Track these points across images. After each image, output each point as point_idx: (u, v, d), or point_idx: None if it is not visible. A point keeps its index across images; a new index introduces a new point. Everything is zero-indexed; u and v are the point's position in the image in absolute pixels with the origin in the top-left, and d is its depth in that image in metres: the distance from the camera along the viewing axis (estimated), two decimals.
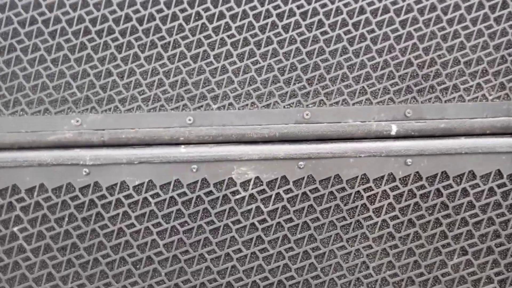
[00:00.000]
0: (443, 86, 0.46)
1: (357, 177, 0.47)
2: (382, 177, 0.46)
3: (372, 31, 0.46)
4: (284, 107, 0.47)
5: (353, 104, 0.46)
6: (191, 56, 0.46)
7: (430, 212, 0.47)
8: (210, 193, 0.47)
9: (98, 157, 0.46)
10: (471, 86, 0.46)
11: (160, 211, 0.46)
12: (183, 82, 0.46)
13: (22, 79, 0.45)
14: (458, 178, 0.47)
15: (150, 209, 0.46)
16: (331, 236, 0.47)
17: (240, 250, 0.47)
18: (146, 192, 0.46)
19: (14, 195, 0.46)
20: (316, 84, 0.46)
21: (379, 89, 0.46)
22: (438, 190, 0.47)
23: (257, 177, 0.47)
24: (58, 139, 0.46)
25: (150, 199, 0.46)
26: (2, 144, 0.46)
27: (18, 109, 0.46)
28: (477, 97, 0.46)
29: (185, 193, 0.46)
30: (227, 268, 0.47)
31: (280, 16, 0.46)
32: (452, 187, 0.47)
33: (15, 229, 0.46)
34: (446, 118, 0.46)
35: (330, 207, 0.47)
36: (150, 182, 0.46)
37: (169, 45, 0.46)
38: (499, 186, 0.47)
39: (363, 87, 0.46)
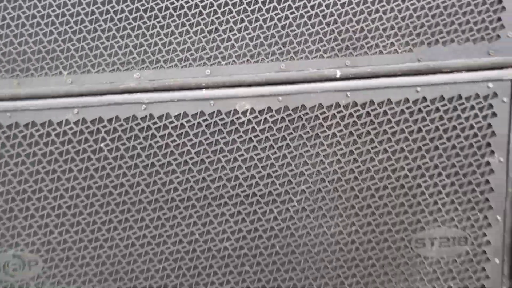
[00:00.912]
0: (369, 45, 0.72)
1: (315, 105, 0.73)
2: (332, 105, 0.73)
3: (323, 10, 0.71)
4: (267, 61, 0.73)
5: (312, 58, 0.72)
6: (208, 31, 0.72)
7: (363, 126, 0.74)
8: (222, 119, 0.73)
9: (151, 97, 0.73)
10: (387, 44, 0.72)
11: (191, 131, 0.73)
12: (203, 48, 0.72)
13: (102, 49, 0.72)
14: (381, 104, 0.73)
15: (185, 130, 0.73)
16: (300, 144, 0.74)
17: (242, 155, 0.74)
18: (182, 119, 0.73)
19: (100, 123, 0.73)
20: (288, 46, 0.72)
21: (328, 48, 0.72)
22: (368, 112, 0.73)
23: (252, 108, 0.73)
24: (126, 87, 0.72)
25: (185, 123, 0.73)
26: (91, 91, 0.73)
27: (100, 68, 0.72)
28: (391, 51, 0.72)
29: (206, 119, 0.73)
30: (234, 167, 0.75)
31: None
32: (377, 110, 0.73)
33: (101, 144, 0.73)
34: (371, 65, 0.72)
35: (299, 125, 0.74)
36: (184, 113, 0.73)
37: (193, 25, 0.72)
38: (407, 108, 0.73)
39: (318, 47, 0.72)
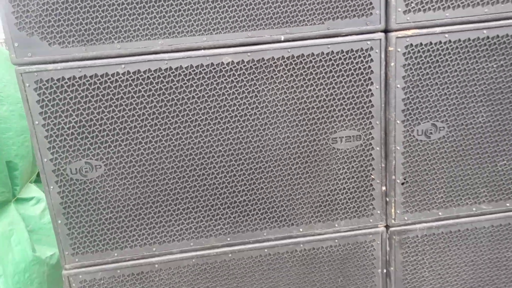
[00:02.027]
0: (299, 20, 1.22)
1: (270, 57, 1.22)
2: (279, 57, 1.22)
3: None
4: (240, 32, 1.20)
5: (266, 29, 1.21)
6: (204, 12, 1.17)
7: (299, 70, 1.25)
8: (214, 68, 1.20)
9: (170, 56, 1.17)
10: (310, 19, 1.22)
11: (195, 76, 1.20)
12: (202, 24, 1.17)
13: (139, 26, 1.14)
14: (308, 55, 1.24)
15: (191, 76, 1.19)
16: (262, 82, 1.24)
17: (227, 91, 1.22)
18: (189, 69, 1.19)
19: (138, 74, 1.16)
20: (252, 22, 1.20)
21: (276, 22, 1.21)
22: (300, 61, 1.24)
23: (232, 60, 1.21)
24: (154, 50, 1.16)
25: (191, 72, 1.19)
26: (132, 53, 1.15)
27: (137, 38, 1.15)
28: (312, 23, 1.22)
29: (205, 69, 1.20)
30: (223, 98, 1.23)
31: None
32: (306, 59, 1.24)
33: (140, 87, 1.17)
34: (301, 32, 1.22)
35: (261, 70, 1.23)
36: (190, 65, 1.19)
37: (196, 10, 1.16)
38: (323, 58, 1.25)
39: (270, 22, 1.20)
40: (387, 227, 1.44)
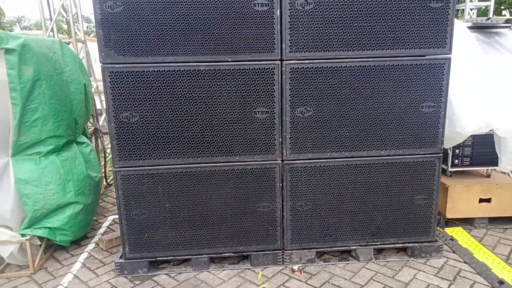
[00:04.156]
0: (246, 49, 2.52)
1: (228, 69, 2.53)
2: (227, 70, 2.53)
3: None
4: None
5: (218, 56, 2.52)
6: None
7: (243, 79, 2.56)
8: (207, 72, 2.52)
9: None
10: (248, 52, 2.53)
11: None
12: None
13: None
14: (249, 70, 2.55)
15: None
16: (219, 81, 2.55)
17: (204, 85, 2.54)
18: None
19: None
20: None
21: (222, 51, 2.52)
22: (245, 74, 2.55)
23: (206, 69, 2.52)
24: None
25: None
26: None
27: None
28: (250, 54, 2.53)
29: (203, 72, 2.51)
30: None
31: None
32: (246, 73, 2.55)
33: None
34: (246, 58, 2.53)
35: (220, 76, 2.54)
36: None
37: None
38: (261, 72, 2.56)
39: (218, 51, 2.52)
40: (282, 160, 2.75)
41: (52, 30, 4.57)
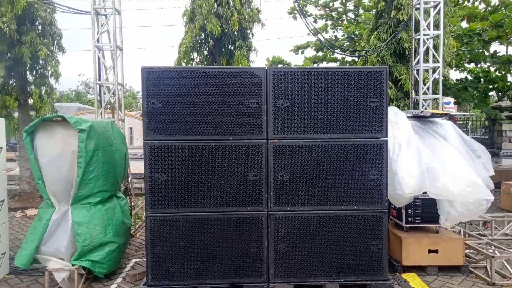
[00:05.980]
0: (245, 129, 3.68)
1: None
2: (230, 146, 3.66)
3: None
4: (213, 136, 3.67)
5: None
6: None
7: (246, 151, 3.67)
8: (215, 146, 3.65)
9: None
10: (241, 133, 3.68)
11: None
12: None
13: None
14: (249, 146, 3.67)
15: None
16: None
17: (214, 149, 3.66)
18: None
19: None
20: None
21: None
22: (245, 149, 3.67)
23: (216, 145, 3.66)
24: None
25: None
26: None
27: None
28: (245, 135, 3.68)
29: (213, 147, 3.64)
30: None
31: None
32: (246, 148, 3.67)
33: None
34: (246, 137, 3.68)
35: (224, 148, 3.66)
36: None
37: None
38: (254, 147, 3.68)
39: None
40: (268, 211, 3.75)
41: (101, 113, 5.93)
